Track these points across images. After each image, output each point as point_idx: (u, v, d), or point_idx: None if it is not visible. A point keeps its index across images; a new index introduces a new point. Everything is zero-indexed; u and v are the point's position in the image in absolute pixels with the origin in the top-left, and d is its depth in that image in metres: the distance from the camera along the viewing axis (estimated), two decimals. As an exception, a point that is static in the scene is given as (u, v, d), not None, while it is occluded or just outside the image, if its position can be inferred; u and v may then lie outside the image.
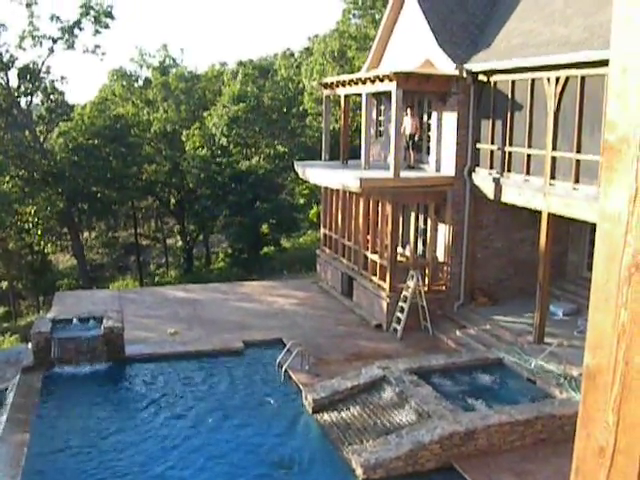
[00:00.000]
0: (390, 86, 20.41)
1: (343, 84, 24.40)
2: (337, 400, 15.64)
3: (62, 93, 45.00)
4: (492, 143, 19.97)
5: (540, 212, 17.85)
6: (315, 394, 15.77)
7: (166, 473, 13.24)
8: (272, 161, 46.77)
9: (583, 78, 16.13)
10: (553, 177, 17.32)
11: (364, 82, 22.37)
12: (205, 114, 48.49)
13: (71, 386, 17.75)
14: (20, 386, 17.36)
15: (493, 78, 19.71)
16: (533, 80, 17.99)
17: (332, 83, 25.57)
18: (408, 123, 22.07)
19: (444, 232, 21.50)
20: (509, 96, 19.11)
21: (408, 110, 22.12)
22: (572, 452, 1.80)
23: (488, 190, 20.00)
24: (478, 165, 20.65)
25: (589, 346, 1.69)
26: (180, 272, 45.81)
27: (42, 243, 44.39)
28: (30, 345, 19.90)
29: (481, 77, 20.12)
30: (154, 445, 14.38)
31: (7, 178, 40.34)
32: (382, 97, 25.55)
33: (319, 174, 24.57)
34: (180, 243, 49.26)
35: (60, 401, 16.84)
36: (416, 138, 22.47)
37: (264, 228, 44.33)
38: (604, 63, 15.02)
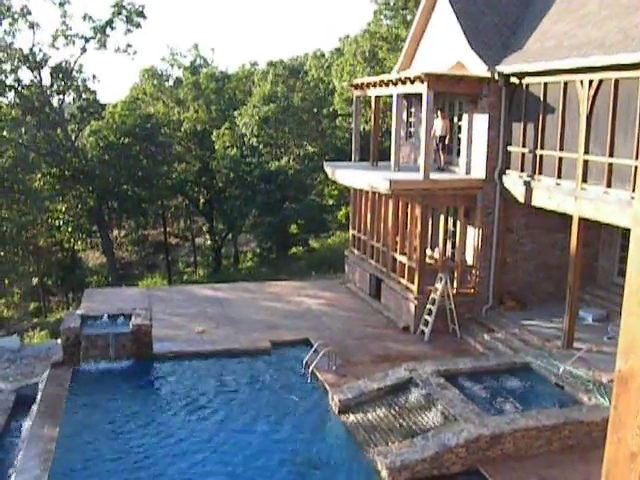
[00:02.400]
0: (421, 88, 20.35)
1: (374, 85, 24.37)
2: (363, 401, 15.63)
3: (94, 92, 45.44)
4: (523, 146, 19.83)
5: (571, 216, 17.69)
6: (342, 395, 15.78)
7: (191, 470, 13.31)
8: (301, 161, 46.89)
9: (617, 81, 15.95)
10: (585, 181, 17.15)
11: (395, 83, 22.32)
12: (235, 114, 48.74)
13: (99, 382, 17.93)
14: (50, 381, 17.57)
15: (525, 80, 19.56)
16: (566, 83, 17.83)
17: (363, 84, 25.55)
18: (438, 125, 22.00)
19: (473, 235, 21.39)
20: (541, 99, 18.96)
21: (438, 112, 22.05)
22: (600, 459, 1.79)
23: (518, 193, 19.86)
24: (509, 168, 20.51)
25: (621, 351, 1.68)
26: (208, 271, 46.06)
27: (72, 240, 44.89)
28: (60, 341, 20.13)
29: (513, 79, 19.98)
30: (180, 442, 14.47)
31: (39, 176, 40.89)
32: (413, 99, 25.49)
33: (348, 175, 24.55)
34: (209, 242, 49.52)
35: (88, 396, 17.01)
36: (446, 140, 22.39)
37: (293, 228, 44.44)
38: (639, 66, 14.89)
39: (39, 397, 16.64)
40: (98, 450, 14.31)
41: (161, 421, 15.61)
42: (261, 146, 47.69)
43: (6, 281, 44.09)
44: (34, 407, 16.25)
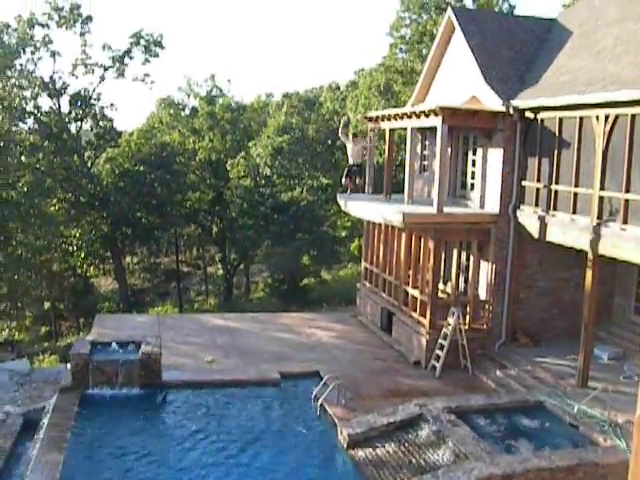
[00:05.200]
0: (435, 121, 20.31)
1: (388, 118, 24.38)
2: (373, 436, 15.36)
3: (111, 120, 45.83)
4: (538, 181, 19.70)
5: (586, 252, 17.49)
6: (351, 429, 15.53)
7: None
8: (315, 193, 46.96)
9: (633, 116, 15.85)
10: (600, 217, 16.98)
11: (409, 116, 22.31)
12: (250, 144, 48.99)
13: (107, 408, 17.80)
14: (57, 406, 17.46)
15: (540, 115, 19.50)
16: (581, 118, 17.73)
17: (377, 117, 25.58)
18: (350, 149, 21.94)
19: (487, 270, 21.19)
20: (556, 134, 18.87)
21: (351, 136, 22.31)
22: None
23: (533, 228, 19.69)
24: (523, 203, 20.37)
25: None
26: (219, 300, 45.98)
27: (85, 266, 45.04)
28: (69, 366, 20.06)
29: (528, 114, 19.92)
30: (186, 473, 14.27)
31: (54, 201, 41.13)
32: (427, 132, 25.45)
33: (361, 207, 24.48)
34: (221, 271, 49.51)
35: (95, 423, 16.87)
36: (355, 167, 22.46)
37: (305, 259, 44.34)
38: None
39: (46, 422, 16.51)
40: (102, 477, 14.13)
41: (166, 451, 15.42)
42: (275, 177, 47.81)
43: (18, 304, 44.24)
44: (40, 432, 16.12)
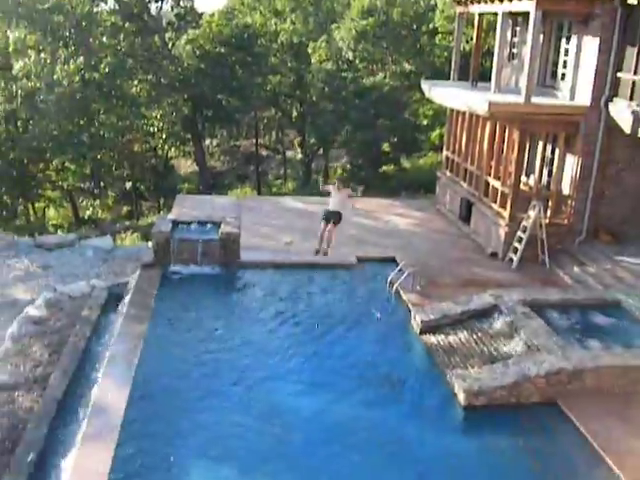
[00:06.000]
0: (528, 5, 19.36)
1: (478, 1, 23.36)
2: (445, 324, 15.57)
3: (191, 0, 45.17)
4: (635, 73, 18.73)
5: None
6: (424, 315, 15.76)
7: (269, 378, 13.62)
8: (397, 79, 45.81)
9: None
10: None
11: (501, 0, 21.32)
12: (333, 27, 47.77)
13: (187, 285, 18.47)
14: (139, 281, 18.18)
15: (644, 2, 18.33)
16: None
17: (467, 0, 24.53)
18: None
19: (572, 164, 20.61)
20: (660, 22, 17.78)
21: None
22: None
23: (625, 123, 18.85)
24: (616, 95, 19.45)
25: None
26: (298, 184, 46.21)
27: (166, 147, 45.61)
28: (150, 244, 20.74)
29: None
30: (260, 350, 14.81)
31: (136, 82, 41.36)
32: (519, 17, 24.34)
33: (446, 94, 23.91)
34: (300, 156, 49.52)
35: (176, 299, 17.57)
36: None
37: (385, 146, 43.89)
38: None
39: (129, 296, 17.26)
40: (183, 346, 14.87)
41: (242, 327, 16.03)
42: (357, 61, 46.81)
43: (101, 183, 45.52)
44: (124, 304, 16.89)
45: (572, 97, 20.70)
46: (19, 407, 13.57)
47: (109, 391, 12.58)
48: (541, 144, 22.95)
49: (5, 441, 12.46)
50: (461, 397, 12.78)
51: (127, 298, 17.21)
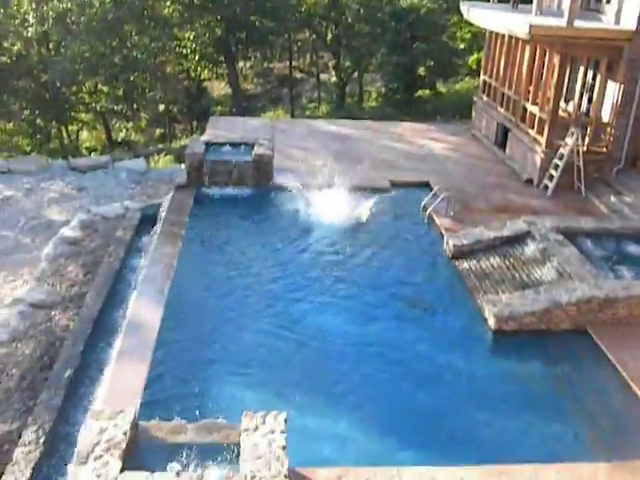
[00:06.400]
0: None
1: None
2: (478, 249, 15.56)
3: None
4: (684, -5, 18.01)
5: None
6: (457, 240, 15.73)
7: (303, 301, 13.75)
8: (435, 0, 44.60)
9: None
10: None
11: None
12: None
13: (220, 206, 18.62)
14: (173, 202, 18.32)
15: None
16: None
17: None
18: None
19: (613, 91, 20.04)
20: None
21: None
22: None
23: (672, 48, 18.23)
24: (664, 19, 18.77)
25: None
26: (331, 108, 45.68)
27: (199, 69, 45.16)
28: (183, 166, 20.79)
29: None
30: (291, 270, 14.98)
31: (168, 3, 40.70)
32: None
33: (485, 15, 23.26)
34: (334, 79, 48.79)
35: (209, 218, 17.75)
36: None
37: (420, 70, 43.05)
38: None
39: (162, 217, 17.42)
40: (215, 265, 15.12)
41: (274, 248, 16.16)
42: (394, -18, 45.58)
43: (134, 106, 45.36)
44: (157, 226, 17.06)
45: (617, 21, 19.97)
46: (56, 325, 13.96)
47: (143, 310, 12.84)
48: (582, 69, 22.35)
49: (44, 357, 12.88)
50: (491, 322, 12.84)
51: (160, 219, 17.37)
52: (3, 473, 9.75)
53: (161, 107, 43.79)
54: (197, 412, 9.69)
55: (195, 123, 44.34)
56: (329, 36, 47.19)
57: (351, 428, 10.03)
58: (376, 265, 15.36)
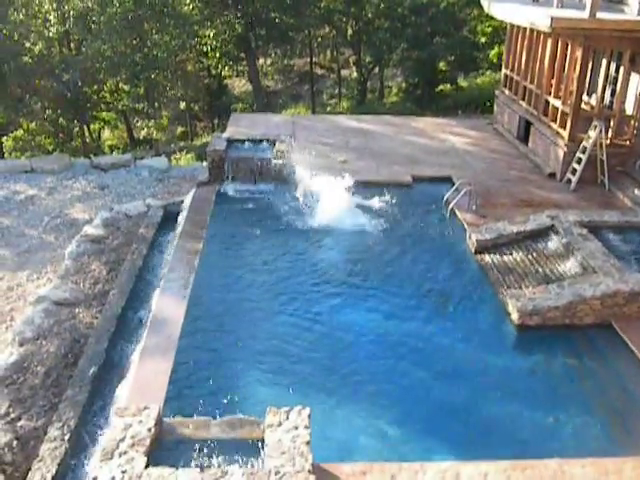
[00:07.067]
0: None
1: None
2: (501, 243, 15.49)
3: None
4: None
5: None
6: (479, 235, 15.67)
7: (324, 291, 13.87)
8: (456, -6, 44.37)
9: None
10: None
11: None
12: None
13: (242, 202, 18.64)
14: (195, 199, 18.41)
15: None
16: None
17: None
18: None
19: (637, 83, 19.84)
20: None
21: None
22: None
23: (695, 38, 18.02)
24: (688, 9, 18.56)
25: None
26: (352, 103, 45.64)
27: (219, 66, 45.27)
28: (205, 163, 20.89)
29: None
30: (314, 264, 15.10)
31: (188, 0, 40.84)
32: None
33: (506, 9, 23.07)
34: (355, 74, 48.75)
35: (231, 214, 17.80)
36: None
37: (441, 65, 42.89)
38: None
39: (185, 214, 17.50)
40: (238, 261, 15.19)
41: (297, 242, 16.24)
42: (414, -24, 45.37)
43: (155, 104, 45.56)
44: (180, 222, 17.14)
45: (640, 12, 19.78)
46: (80, 322, 14.08)
47: (167, 307, 12.91)
48: (604, 62, 22.13)
49: (68, 354, 12.98)
50: (514, 316, 12.78)
51: (183, 216, 17.46)
52: (30, 469, 9.86)
53: (182, 105, 43.97)
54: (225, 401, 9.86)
55: (216, 120, 44.45)
56: (349, 32, 47.11)
57: (376, 417, 10.14)
58: (398, 260, 15.35)
